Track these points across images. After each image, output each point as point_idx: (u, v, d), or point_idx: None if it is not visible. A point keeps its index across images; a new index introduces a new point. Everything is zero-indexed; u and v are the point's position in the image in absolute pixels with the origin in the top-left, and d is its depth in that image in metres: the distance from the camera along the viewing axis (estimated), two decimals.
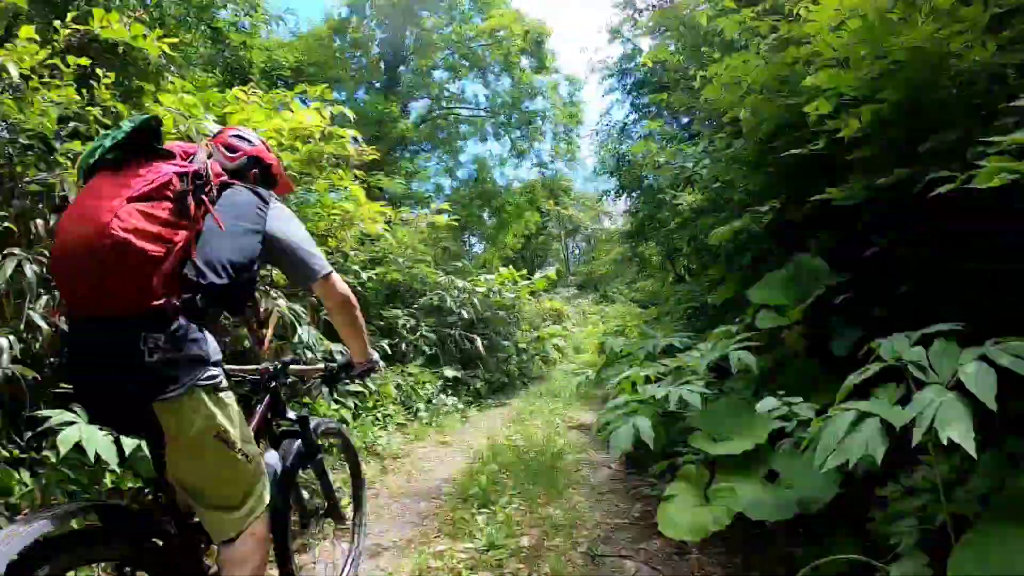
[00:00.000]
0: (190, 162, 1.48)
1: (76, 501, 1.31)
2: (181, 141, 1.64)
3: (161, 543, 1.46)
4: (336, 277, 1.73)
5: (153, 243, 1.31)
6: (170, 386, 1.33)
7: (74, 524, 1.36)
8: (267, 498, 1.57)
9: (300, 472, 2.13)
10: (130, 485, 2.16)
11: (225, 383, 1.47)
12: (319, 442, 2.19)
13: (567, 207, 24.64)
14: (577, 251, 33.12)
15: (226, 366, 1.55)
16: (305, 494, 2.44)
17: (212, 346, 1.44)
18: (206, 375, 1.39)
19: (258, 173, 1.75)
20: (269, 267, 2.79)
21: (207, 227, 1.43)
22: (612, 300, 22.35)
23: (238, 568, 1.47)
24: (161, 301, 1.31)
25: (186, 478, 1.46)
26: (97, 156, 1.42)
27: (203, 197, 1.42)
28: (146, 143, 1.45)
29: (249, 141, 1.78)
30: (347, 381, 2.11)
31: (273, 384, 1.96)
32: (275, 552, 1.88)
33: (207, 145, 1.70)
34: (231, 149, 1.73)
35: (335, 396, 4.14)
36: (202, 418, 1.38)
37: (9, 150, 2.48)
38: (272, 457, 1.90)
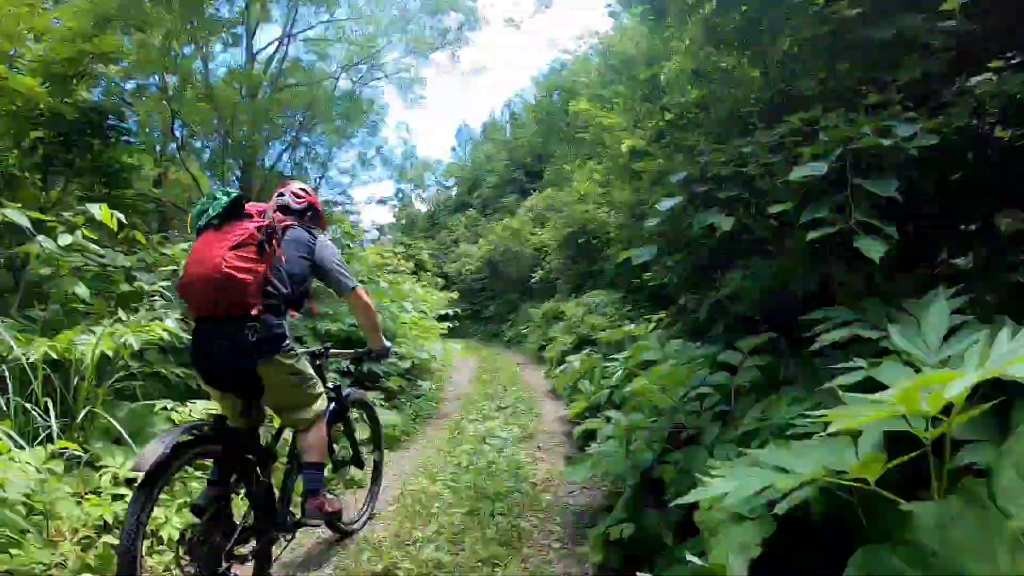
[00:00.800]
0: (263, 218, 2.35)
1: (194, 421, 2.22)
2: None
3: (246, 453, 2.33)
4: (360, 290, 2.60)
5: (246, 274, 2.17)
6: (265, 353, 2.21)
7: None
8: (324, 407, 2.48)
9: (334, 425, 2.98)
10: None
11: (296, 348, 2.35)
12: (348, 406, 3.06)
13: None
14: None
15: None
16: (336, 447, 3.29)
17: (286, 329, 2.31)
18: (284, 344, 2.27)
19: (311, 215, 2.63)
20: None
21: (284, 255, 2.31)
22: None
23: (314, 448, 2.41)
24: (254, 306, 2.19)
25: (277, 402, 2.40)
26: (204, 221, 2.28)
27: (273, 242, 2.29)
28: (235, 210, 2.33)
29: (308, 192, 2.67)
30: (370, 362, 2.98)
31: (318, 362, 2.78)
32: None
33: (275, 199, 2.59)
34: (297, 196, 2.61)
35: None
36: (283, 369, 2.27)
37: None
38: None
